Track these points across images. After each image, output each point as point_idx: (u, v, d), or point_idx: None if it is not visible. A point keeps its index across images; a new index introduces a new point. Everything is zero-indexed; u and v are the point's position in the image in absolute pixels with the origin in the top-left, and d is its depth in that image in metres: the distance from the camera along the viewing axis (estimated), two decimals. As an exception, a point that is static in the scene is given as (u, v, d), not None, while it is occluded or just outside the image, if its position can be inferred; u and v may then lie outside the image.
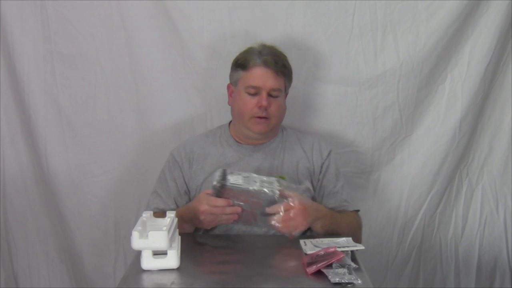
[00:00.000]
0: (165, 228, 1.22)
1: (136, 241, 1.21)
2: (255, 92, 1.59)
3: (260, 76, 1.58)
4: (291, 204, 1.40)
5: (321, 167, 1.67)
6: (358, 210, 1.69)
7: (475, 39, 1.85)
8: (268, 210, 1.39)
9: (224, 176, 1.37)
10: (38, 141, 1.90)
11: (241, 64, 1.62)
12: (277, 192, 1.39)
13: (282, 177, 1.50)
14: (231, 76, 1.67)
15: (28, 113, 1.88)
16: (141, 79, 1.88)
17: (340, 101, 1.90)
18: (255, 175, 1.40)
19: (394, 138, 1.94)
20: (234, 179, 1.35)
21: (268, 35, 1.78)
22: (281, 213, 1.39)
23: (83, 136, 1.91)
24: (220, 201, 1.37)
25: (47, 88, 1.88)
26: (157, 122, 1.91)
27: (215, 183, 1.36)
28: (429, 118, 1.93)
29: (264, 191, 1.37)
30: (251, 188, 1.36)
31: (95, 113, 1.90)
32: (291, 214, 1.39)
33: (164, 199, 1.63)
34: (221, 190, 1.36)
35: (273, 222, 1.39)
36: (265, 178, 1.40)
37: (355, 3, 1.83)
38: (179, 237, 1.34)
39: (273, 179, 1.42)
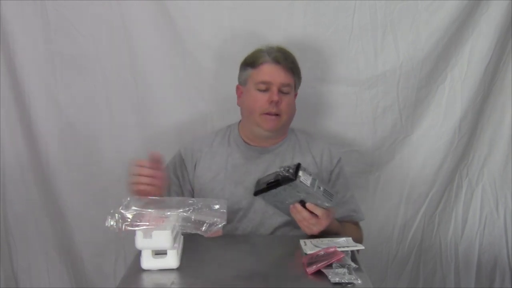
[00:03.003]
0: (169, 227, 1.22)
1: (140, 241, 1.20)
2: (266, 88, 1.57)
3: (270, 71, 1.57)
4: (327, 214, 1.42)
5: (330, 174, 1.66)
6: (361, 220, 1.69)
7: (475, 39, 1.85)
8: (308, 206, 1.39)
9: (297, 170, 1.36)
10: (38, 141, 1.90)
11: (250, 62, 1.61)
12: (327, 205, 1.41)
13: None
14: (239, 76, 1.66)
15: (28, 113, 1.88)
16: (141, 79, 1.88)
17: (340, 101, 1.90)
18: (317, 180, 1.39)
19: (394, 138, 1.94)
20: (304, 178, 1.35)
21: (268, 35, 1.78)
22: (317, 214, 1.40)
23: (83, 136, 1.91)
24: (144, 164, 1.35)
25: (47, 88, 1.88)
26: (157, 122, 1.91)
27: (283, 171, 1.36)
28: (429, 118, 1.93)
29: (324, 204, 1.40)
30: (314, 191, 1.37)
31: (95, 113, 1.90)
32: (320, 220, 1.40)
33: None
34: (283, 180, 1.35)
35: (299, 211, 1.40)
36: (322, 189, 1.40)
37: (355, 3, 1.83)
38: (182, 237, 1.34)
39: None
